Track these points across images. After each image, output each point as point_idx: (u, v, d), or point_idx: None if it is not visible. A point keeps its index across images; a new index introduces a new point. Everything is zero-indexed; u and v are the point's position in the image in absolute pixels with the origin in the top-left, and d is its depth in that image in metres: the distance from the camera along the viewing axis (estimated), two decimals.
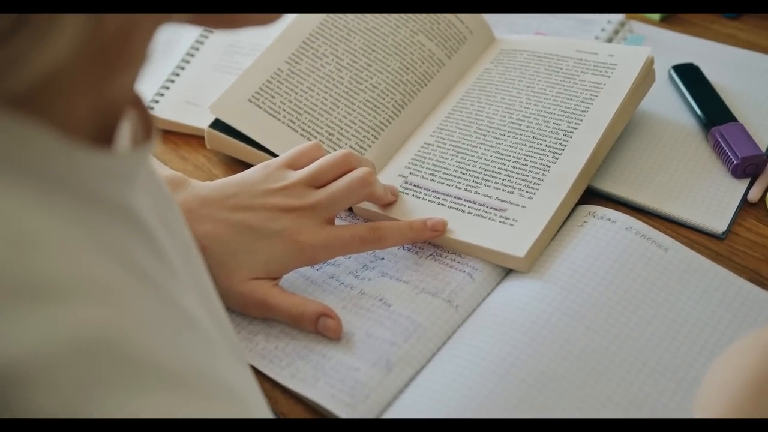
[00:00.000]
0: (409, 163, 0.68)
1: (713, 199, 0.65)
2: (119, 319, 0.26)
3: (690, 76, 0.74)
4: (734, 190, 0.65)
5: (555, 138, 0.66)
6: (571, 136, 0.65)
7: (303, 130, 0.69)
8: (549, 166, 0.64)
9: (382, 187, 0.62)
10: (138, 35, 0.31)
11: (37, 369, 0.22)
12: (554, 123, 0.67)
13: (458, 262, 0.61)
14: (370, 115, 0.71)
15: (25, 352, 0.22)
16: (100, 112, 0.31)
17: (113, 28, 0.28)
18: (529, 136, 0.67)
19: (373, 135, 0.70)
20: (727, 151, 0.66)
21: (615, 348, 0.53)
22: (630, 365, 0.52)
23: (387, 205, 0.64)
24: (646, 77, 0.69)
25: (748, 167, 0.65)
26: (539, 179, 0.63)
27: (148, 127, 0.36)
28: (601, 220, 0.61)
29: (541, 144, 0.66)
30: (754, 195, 0.64)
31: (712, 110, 0.70)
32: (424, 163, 0.68)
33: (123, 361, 0.24)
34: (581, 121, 0.66)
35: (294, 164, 0.60)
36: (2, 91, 0.26)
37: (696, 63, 0.76)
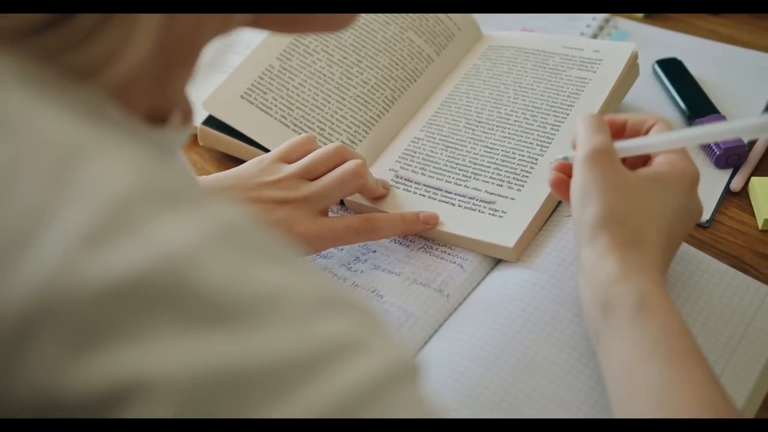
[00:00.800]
0: (400, 157, 0.69)
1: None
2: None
3: (673, 70, 0.76)
4: (717, 180, 0.67)
5: (542, 132, 0.67)
6: (558, 130, 0.67)
7: (295, 125, 0.70)
8: (537, 159, 0.65)
9: (374, 180, 0.64)
10: (202, 38, 0.33)
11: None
12: (541, 117, 0.68)
13: (449, 254, 0.62)
14: (360, 110, 0.72)
15: None
16: (157, 104, 0.32)
17: (182, 31, 0.30)
18: (517, 130, 0.68)
19: (364, 130, 0.71)
20: (710, 142, 0.68)
21: None
22: None
23: (378, 198, 0.65)
24: (630, 72, 0.70)
25: (730, 158, 0.67)
26: (527, 172, 0.64)
27: (188, 113, 0.38)
28: None
29: (528, 138, 0.67)
30: (737, 184, 0.66)
31: (695, 103, 0.72)
32: (414, 157, 0.69)
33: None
34: (568, 115, 0.68)
35: (287, 158, 0.61)
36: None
37: (679, 58, 0.77)
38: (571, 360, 0.53)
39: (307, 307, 0.24)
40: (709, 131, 0.51)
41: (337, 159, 0.61)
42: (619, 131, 0.56)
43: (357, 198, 0.65)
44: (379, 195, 0.65)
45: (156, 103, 0.32)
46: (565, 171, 0.55)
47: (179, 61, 0.33)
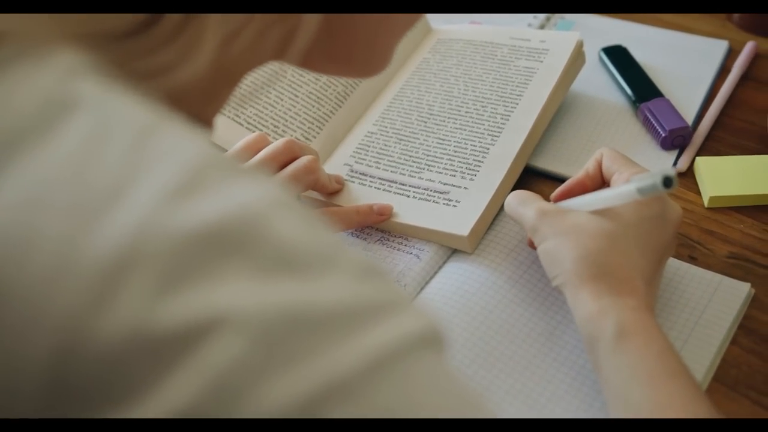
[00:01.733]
0: (354, 151, 0.70)
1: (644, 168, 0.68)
2: None
3: (618, 56, 0.78)
4: (664, 161, 0.68)
5: (493, 122, 0.68)
6: (508, 119, 0.68)
7: (248, 123, 0.70)
8: (488, 149, 0.66)
9: (327, 176, 0.64)
10: (250, 65, 0.36)
11: None
12: (492, 107, 0.69)
13: (405, 245, 0.63)
14: (313, 106, 0.73)
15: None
16: (194, 122, 0.35)
17: (237, 54, 0.33)
18: (468, 121, 0.69)
19: (317, 126, 0.72)
20: (655, 125, 0.69)
21: (559, 332, 0.56)
22: (573, 346, 0.55)
23: (333, 193, 0.66)
24: (576, 60, 0.72)
25: (675, 139, 0.69)
26: (479, 161, 0.65)
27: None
28: None
29: (480, 128, 0.68)
30: (683, 165, 0.68)
31: (640, 88, 0.74)
32: (368, 151, 0.70)
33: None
34: (517, 104, 0.69)
35: (241, 157, 0.62)
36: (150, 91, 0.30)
37: (624, 44, 0.79)
38: (528, 356, 0.54)
39: (358, 268, 0.27)
40: (615, 194, 0.51)
41: (289, 154, 0.62)
42: (581, 189, 0.57)
43: (312, 194, 0.66)
44: (332, 191, 0.66)
45: (193, 121, 0.35)
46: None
47: (226, 83, 0.36)
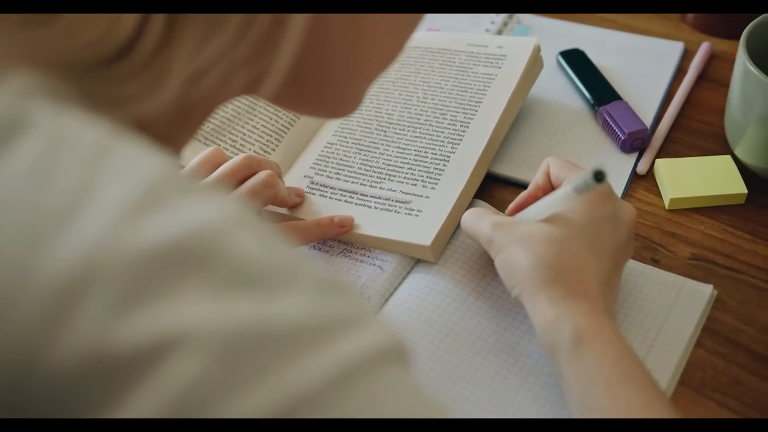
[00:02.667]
0: (314, 163, 0.69)
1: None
2: None
3: (576, 60, 0.78)
4: (624, 164, 0.69)
5: (453, 129, 0.68)
6: (468, 127, 0.67)
7: (206, 138, 0.69)
8: (449, 156, 0.66)
9: (286, 189, 0.63)
10: (220, 100, 0.37)
11: None
12: (451, 115, 0.69)
13: (368, 257, 0.62)
14: (271, 119, 0.72)
15: None
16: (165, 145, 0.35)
17: (203, 91, 0.32)
18: (428, 129, 0.69)
19: (276, 138, 0.71)
20: (614, 128, 0.69)
21: (524, 342, 0.55)
22: (539, 355, 0.54)
23: (294, 206, 0.65)
24: (534, 65, 0.72)
25: (635, 141, 0.69)
26: (440, 169, 0.65)
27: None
28: None
29: (440, 136, 0.68)
30: (643, 167, 0.68)
31: (598, 91, 0.74)
32: (328, 162, 0.69)
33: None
34: (476, 111, 0.68)
35: (197, 173, 0.60)
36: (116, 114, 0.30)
37: (581, 48, 0.79)
38: (494, 367, 0.54)
39: (319, 283, 0.27)
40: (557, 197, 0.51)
41: (247, 170, 0.61)
42: (533, 201, 0.57)
43: (272, 207, 0.65)
44: (292, 204, 0.65)
45: (161, 146, 0.34)
46: None
47: (195, 115, 0.37)
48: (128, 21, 0.29)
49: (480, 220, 0.55)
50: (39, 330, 0.24)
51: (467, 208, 0.64)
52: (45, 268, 0.24)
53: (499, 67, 0.72)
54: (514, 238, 0.51)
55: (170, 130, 0.36)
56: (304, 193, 0.66)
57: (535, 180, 0.57)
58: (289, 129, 0.72)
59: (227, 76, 0.33)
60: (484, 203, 0.65)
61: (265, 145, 0.70)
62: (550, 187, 0.57)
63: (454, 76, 0.73)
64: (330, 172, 0.68)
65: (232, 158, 0.62)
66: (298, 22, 0.33)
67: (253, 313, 0.25)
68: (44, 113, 0.27)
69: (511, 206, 0.58)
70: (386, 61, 0.42)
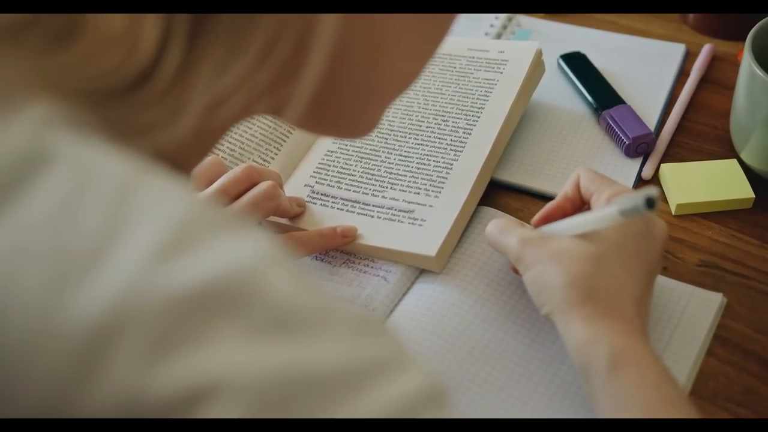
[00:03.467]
0: (314, 172, 0.68)
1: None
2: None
3: (578, 63, 0.77)
4: (629, 169, 0.68)
5: (455, 136, 0.67)
6: (470, 133, 0.66)
7: None
8: (452, 164, 0.65)
9: (288, 199, 0.62)
10: (236, 122, 0.36)
11: None
12: (453, 122, 0.68)
13: (372, 267, 0.61)
14: (270, 127, 0.70)
15: None
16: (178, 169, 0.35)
17: (221, 118, 0.32)
18: (430, 137, 0.68)
19: (275, 148, 0.70)
20: (618, 132, 0.69)
21: (532, 351, 0.54)
22: (548, 365, 0.53)
23: (295, 216, 0.64)
24: (536, 70, 0.71)
25: (639, 146, 0.68)
26: (443, 178, 0.64)
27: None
28: None
29: (442, 143, 0.67)
30: (648, 172, 0.67)
31: (601, 95, 0.73)
32: (329, 171, 0.68)
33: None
34: (479, 117, 0.67)
35: (197, 184, 0.59)
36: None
37: (582, 51, 0.78)
38: (502, 377, 0.53)
39: (355, 324, 0.26)
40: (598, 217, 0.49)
41: (248, 181, 0.59)
42: (561, 212, 0.56)
43: (273, 218, 0.64)
44: (293, 214, 0.64)
45: (174, 170, 0.34)
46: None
47: (210, 139, 0.36)
48: (148, 45, 0.28)
49: (507, 233, 0.53)
50: (69, 376, 0.23)
51: (472, 216, 0.63)
52: (74, 313, 0.23)
53: (501, 72, 0.71)
54: (546, 254, 0.50)
55: (185, 155, 0.35)
56: (305, 203, 0.65)
57: (564, 191, 0.56)
58: (288, 137, 0.71)
59: (248, 102, 0.32)
60: (492, 209, 0.64)
61: (264, 153, 0.69)
62: (579, 199, 0.55)
63: (455, 82, 0.72)
64: (331, 180, 0.67)
65: (230, 168, 0.61)
66: (320, 47, 0.32)
67: (290, 359, 0.24)
68: (66, 145, 0.26)
69: (537, 217, 0.56)
70: (405, 82, 0.41)
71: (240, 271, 0.24)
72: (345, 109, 0.39)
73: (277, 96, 0.33)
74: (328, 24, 0.31)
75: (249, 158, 0.68)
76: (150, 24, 0.28)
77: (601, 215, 0.48)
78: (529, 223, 0.57)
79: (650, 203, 0.43)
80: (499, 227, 0.54)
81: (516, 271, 0.56)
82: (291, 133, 0.71)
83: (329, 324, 0.25)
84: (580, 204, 0.55)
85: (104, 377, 0.23)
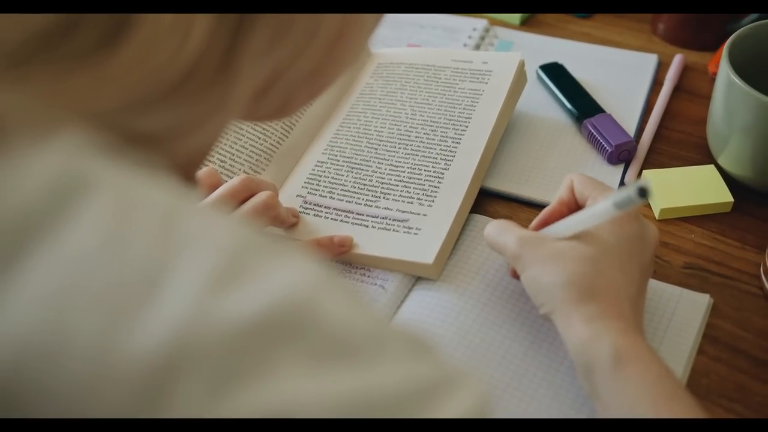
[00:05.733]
0: (306, 182, 0.69)
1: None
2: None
3: (556, 74, 0.79)
4: (612, 175, 0.70)
5: (444, 145, 0.68)
6: (459, 143, 0.68)
7: None
8: (443, 173, 0.66)
9: (285, 210, 0.63)
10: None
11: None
12: (441, 131, 0.69)
13: (368, 276, 0.62)
14: (260, 138, 0.71)
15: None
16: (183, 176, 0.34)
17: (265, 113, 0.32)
18: (420, 146, 0.69)
19: (265, 159, 0.70)
20: (600, 140, 0.71)
21: (532, 352, 0.56)
22: (548, 366, 0.55)
23: (290, 226, 0.64)
24: (519, 79, 0.73)
25: (621, 153, 0.70)
26: (435, 186, 0.65)
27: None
28: None
29: (432, 152, 0.68)
30: (630, 178, 0.69)
31: (581, 104, 0.75)
32: (320, 181, 0.68)
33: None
34: (467, 127, 0.69)
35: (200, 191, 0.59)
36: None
37: (560, 62, 0.81)
38: (505, 379, 0.54)
39: (409, 347, 0.26)
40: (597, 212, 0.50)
41: (246, 192, 0.60)
42: (558, 217, 0.57)
43: (270, 229, 0.64)
44: (289, 224, 0.64)
45: (180, 178, 0.34)
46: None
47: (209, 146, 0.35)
48: (200, 33, 0.27)
49: (505, 233, 0.54)
50: (130, 415, 0.22)
51: (464, 224, 0.65)
52: (132, 351, 0.22)
53: (486, 83, 0.72)
54: (544, 254, 0.51)
55: (195, 162, 0.35)
56: (299, 214, 0.66)
57: (559, 196, 0.57)
58: (278, 148, 0.71)
59: (288, 95, 0.31)
60: (483, 217, 0.65)
61: (254, 164, 0.69)
62: (574, 203, 0.57)
63: (441, 92, 0.73)
64: (323, 191, 0.67)
65: (225, 179, 0.61)
66: (324, 35, 0.32)
67: (353, 386, 0.24)
68: (103, 171, 0.25)
69: (535, 222, 0.58)
70: (341, 71, 0.40)
71: (295, 298, 0.24)
72: (295, 95, 0.37)
73: (319, 83, 0.33)
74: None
75: (240, 169, 0.69)
76: (200, 18, 0.27)
77: (596, 210, 0.50)
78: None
79: (642, 193, 0.45)
80: (498, 228, 0.56)
81: (514, 274, 0.57)
82: (281, 144, 0.71)
83: (385, 347, 0.25)
84: (575, 208, 0.57)
85: (168, 415, 0.22)
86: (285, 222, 0.63)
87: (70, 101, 0.26)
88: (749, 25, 0.68)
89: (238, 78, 0.29)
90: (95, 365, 0.22)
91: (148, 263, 0.24)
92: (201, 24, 0.27)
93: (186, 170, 0.34)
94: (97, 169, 0.25)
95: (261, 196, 0.59)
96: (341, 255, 0.62)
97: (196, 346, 0.23)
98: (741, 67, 0.64)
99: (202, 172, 0.61)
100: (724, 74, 0.64)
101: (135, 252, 0.24)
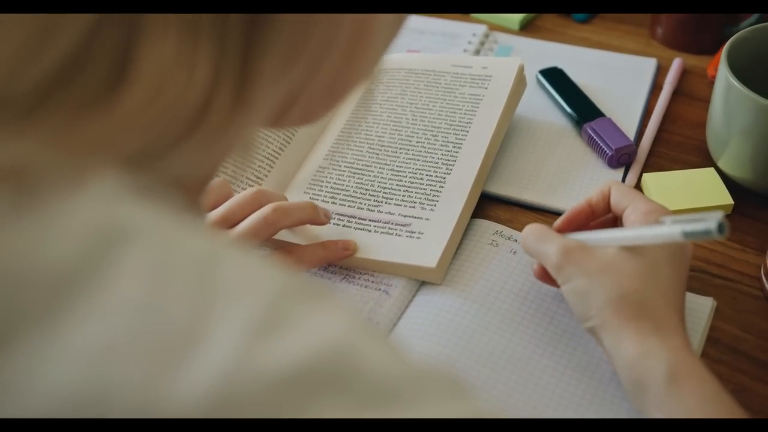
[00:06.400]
0: (308, 188, 0.69)
1: (593, 189, 0.69)
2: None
3: (556, 78, 0.80)
4: (612, 179, 0.70)
5: (446, 150, 0.68)
6: (460, 147, 0.68)
7: None
8: (444, 178, 0.66)
9: (302, 213, 0.61)
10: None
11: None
12: (442, 136, 0.70)
13: (372, 281, 0.62)
14: (261, 145, 0.71)
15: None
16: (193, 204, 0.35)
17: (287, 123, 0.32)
18: (421, 151, 0.69)
19: (267, 164, 0.70)
20: (600, 144, 0.71)
21: (537, 356, 0.56)
22: (553, 369, 0.55)
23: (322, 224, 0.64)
24: (519, 84, 0.73)
25: (621, 157, 0.70)
26: (437, 191, 0.65)
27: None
28: (509, 241, 0.64)
29: (433, 157, 0.68)
30: (630, 182, 0.70)
31: (581, 108, 0.75)
32: (322, 186, 0.69)
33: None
34: (468, 131, 0.69)
35: (207, 204, 0.60)
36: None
37: (559, 66, 0.81)
38: (510, 383, 0.54)
39: (446, 390, 0.26)
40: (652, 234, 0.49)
41: (255, 205, 0.60)
42: (581, 219, 0.56)
43: (281, 233, 0.64)
44: (322, 224, 0.63)
45: (190, 205, 0.34)
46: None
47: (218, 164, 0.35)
48: (205, 66, 0.26)
49: (545, 241, 0.53)
50: None
51: (466, 228, 0.65)
52: (175, 404, 0.22)
53: (486, 88, 0.73)
54: (592, 267, 0.50)
55: (208, 178, 0.35)
56: (329, 213, 0.64)
57: (589, 198, 0.56)
58: (280, 154, 0.71)
59: (309, 110, 0.32)
60: (486, 221, 0.66)
61: (257, 170, 0.70)
62: (603, 208, 0.56)
63: (441, 97, 0.73)
64: (325, 196, 0.68)
65: (237, 191, 0.62)
66: (340, 46, 0.32)
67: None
68: (141, 220, 0.25)
69: (561, 220, 0.56)
70: (367, 77, 0.40)
71: (336, 345, 0.24)
72: (317, 103, 0.37)
73: (336, 94, 0.33)
74: (348, 21, 0.31)
75: (242, 176, 0.69)
76: (204, 44, 0.26)
77: (660, 233, 0.48)
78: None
79: (721, 228, 0.43)
80: (536, 234, 0.54)
81: (542, 277, 0.56)
82: (283, 151, 0.72)
83: (426, 390, 0.25)
84: (601, 212, 0.56)
85: None
86: (319, 222, 0.62)
87: (90, 147, 0.25)
88: (748, 28, 0.68)
89: (254, 108, 0.29)
90: (140, 413, 0.22)
91: (188, 314, 0.23)
92: (205, 54, 0.26)
93: (194, 190, 0.34)
94: (131, 216, 0.25)
95: (262, 212, 0.59)
96: (345, 258, 0.62)
97: (239, 395, 0.23)
98: (740, 70, 0.65)
99: (214, 183, 0.61)
100: (723, 77, 0.65)
101: (175, 303, 0.24)
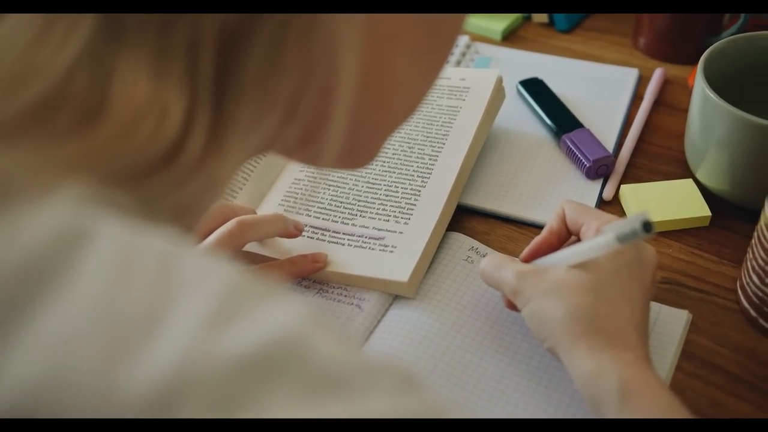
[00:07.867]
0: (283, 200, 0.69)
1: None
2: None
3: (536, 89, 0.79)
4: (590, 190, 0.70)
5: (421, 163, 0.68)
6: (436, 160, 0.68)
7: None
8: (420, 190, 0.66)
9: (269, 226, 0.62)
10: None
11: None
12: (419, 148, 0.69)
13: (345, 296, 0.62)
14: None
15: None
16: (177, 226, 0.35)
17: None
18: (397, 164, 0.69)
19: (243, 177, 0.70)
20: (578, 155, 0.71)
21: (509, 374, 0.55)
22: (525, 386, 0.55)
23: (293, 237, 0.64)
24: (497, 96, 0.73)
25: (599, 168, 0.70)
26: (412, 204, 0.65)
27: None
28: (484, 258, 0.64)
29: (409, 170, 0.68)
30: (608, 193, 0.69)
31: (560, 119, 0.75)
32: (297, 199, 0.68)
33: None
34: (444, 144, 0.69)
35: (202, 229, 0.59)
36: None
37: (539, 76, 0.81)
38: (480, 401, 0.54)
39: (397, 382, 0.27)
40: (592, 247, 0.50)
41: (220, 219, 0.60)
42: (548, 247, 0.56)
43: (250, 246, 0.64)
44: (294, 236, 0.63)
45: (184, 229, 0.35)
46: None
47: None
48: (177, 109, 0.28)
49: (502, 268, 0.53)
50: None
51: (441, 242, 0.64)
52: (131, 384, 0.23)
53: (464, 99, 0.72)
54: (544, 287, 0.50)
55: (193, 216, 0.35)
56: (302, 227, 0.65)
57: (549, 225, 0.56)
58: (255, 167, 0.71)
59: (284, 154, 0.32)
60: (461, 235, 0.65)
61: (231, 184, 0.69)
62: (565, 232, 0.56)
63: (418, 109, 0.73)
64: (299, 208, 0.67)
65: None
66: (344, 93, 0.32)
67: (343, 416, 0.25)
68: (103, 223, 0.26)
69: (525, 252, 0.57)
70: (407, 114, 0.42)
71: (288, 336, 0.25)
72: (355, 144, 0.39)
73: (311, 147, 0.34)
74: (350, 67, 0.32)
75: None
76: (174, 86, 0.28)
77: (597, 243, 0.49)
78: (516, 257, 0.58)
79: (647, 227, 0.44)
80: (493, 264, 0.55)
81: (511, 307, 0.56)
82: (258, 163, 0.71)
83: (375, 381, 0.26)
84: (566, 237, 0.56)
85: None
86: (290, 235, 0.63)
87: (66, 166, 0.27)
88: (725, 39, 0.68)
89: (230, 152, 0.30)
90: (96, 397, 0.23)
91: (146, 305, 0.25)
92: (177, 98, 0.28)
93: (183, 213, 0.34)
94: (96, 220, 0.26)
95: (226, 227, 0.59)
96: (316, 272, 0.62)
97: (195, 379, 0.23)
98: (717, 81, 0.64)
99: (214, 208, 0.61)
100: (700, 88, 0.64)
101: (134, 295, 0.25)
